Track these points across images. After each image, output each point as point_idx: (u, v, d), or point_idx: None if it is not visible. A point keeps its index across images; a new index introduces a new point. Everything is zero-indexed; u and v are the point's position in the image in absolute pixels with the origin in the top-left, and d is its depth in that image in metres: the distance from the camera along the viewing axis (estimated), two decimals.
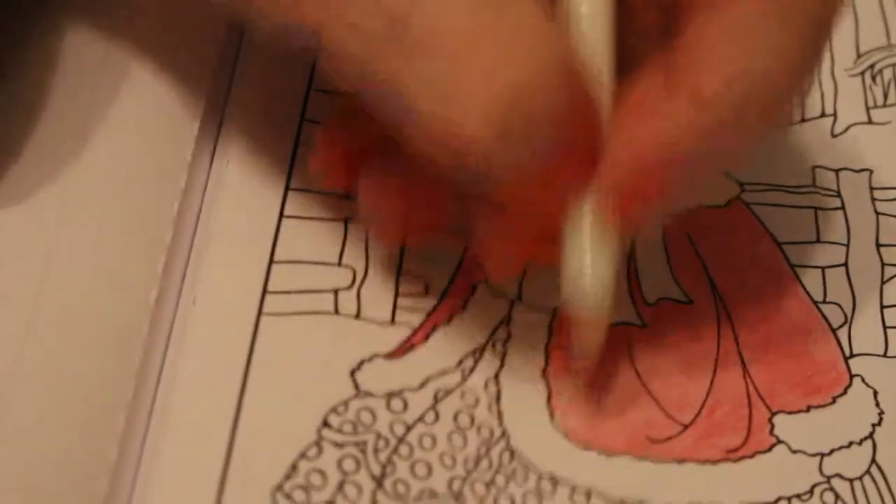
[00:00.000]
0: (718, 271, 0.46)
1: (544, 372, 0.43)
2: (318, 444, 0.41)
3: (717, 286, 0.45)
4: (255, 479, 0.40)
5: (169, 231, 0.44)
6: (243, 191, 0.46)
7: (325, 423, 0.41)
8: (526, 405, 0.43)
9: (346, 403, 0.42)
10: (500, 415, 0.42)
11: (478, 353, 0.43)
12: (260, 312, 0.43)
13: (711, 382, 0.43)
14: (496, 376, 0.43)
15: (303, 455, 0.40)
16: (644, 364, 0.44)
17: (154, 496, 0.39)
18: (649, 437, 0.42)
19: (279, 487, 0.40)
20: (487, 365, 0.43)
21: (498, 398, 0.43)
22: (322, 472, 0.40)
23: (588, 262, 0.38)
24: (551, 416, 0.42)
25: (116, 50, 0.48)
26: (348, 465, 0.41)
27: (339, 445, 0.41)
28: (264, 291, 0.43)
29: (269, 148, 0.47)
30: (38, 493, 0.39)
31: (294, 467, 0.40)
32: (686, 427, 0.42)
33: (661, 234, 0.46)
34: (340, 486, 0.40)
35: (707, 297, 0.45)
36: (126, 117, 0.46)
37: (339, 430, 0.41)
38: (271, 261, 0.44)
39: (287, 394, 0.41)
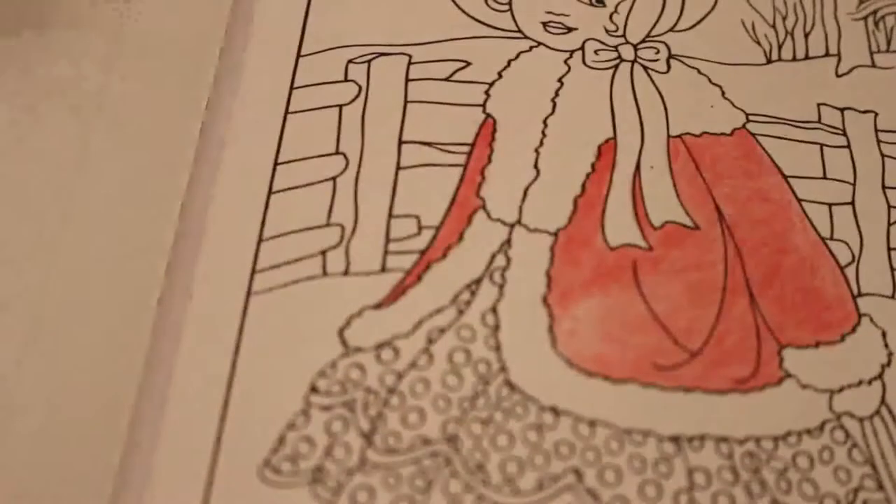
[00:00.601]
0: (725, 200, 0.44)
1: (546, 298, 0.41)
2: (305, 411, 0.38)
3: (724, 215, 0.43)
4: (243, 458, 0.38)
5: (170, 232, 0.43)
6: (234, 177, 0.44)
7: (313, 389, 0.39)
8: (526, 334, 0.40)
9: (333, 364, 0.39)
10: (498, 347, 0.40)
11: (475, 286, 0.41)
12: (249, 294, 0.41)
13: (719, 311, 0.41)
14: (494, 307, 0.41)
15: (290, 426, 0.38)
16: (650, 288, 0.41)
17: (149, 485, 0.37)
18: (656, 364, 0.40)
19: (267, 462, 0.38)
20: (485, 296, 0.41)
21: (496, 330, 0.40)
22: (309, 439, 0.38)
23: None
24: (553, 343, 0.40)
25: (116, 50, 0.47)
26: (336, 426, 0.38)
27: (326, 409, 0.38)
28: (253, 272, 0.41)
29: (260, 124, 0.45)
30: (43, 489, 0.38)
31: (282, 440, 0.38)
32: (694, 355, 0.40)
33: (666, 157, 0.44)
34: (328, 450, 0.38)
35: (714, 224, 0.43)
36: (126, 117, 0.45)
37: (327, 393, 0.39)
38: (260, 240, 0.42)
39: (274, 368, 0.39)
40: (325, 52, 0.47)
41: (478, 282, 0.41)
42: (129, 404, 0.39)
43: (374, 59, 0.46)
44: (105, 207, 0.43)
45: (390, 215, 0.43)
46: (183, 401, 0.39)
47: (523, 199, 0.43)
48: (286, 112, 0.45)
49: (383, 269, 0.41)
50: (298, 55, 0.47)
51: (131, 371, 0.39)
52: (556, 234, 0.42)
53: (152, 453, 0.38)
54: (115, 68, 0.47)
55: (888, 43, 0.49)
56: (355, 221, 0.42)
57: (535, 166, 0.44)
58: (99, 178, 0.44)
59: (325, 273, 0.41)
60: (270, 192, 0.43)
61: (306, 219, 0.43)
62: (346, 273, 0.41)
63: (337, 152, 0.44)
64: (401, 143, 0.44)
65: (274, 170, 0.44)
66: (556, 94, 0.46)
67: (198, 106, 0.46)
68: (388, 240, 0.42)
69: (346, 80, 0.46)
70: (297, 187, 0.43)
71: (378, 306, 0.41)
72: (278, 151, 0.44)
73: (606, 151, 0.44)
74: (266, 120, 0.45)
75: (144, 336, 0.40)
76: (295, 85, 0.46)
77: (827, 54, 0.49)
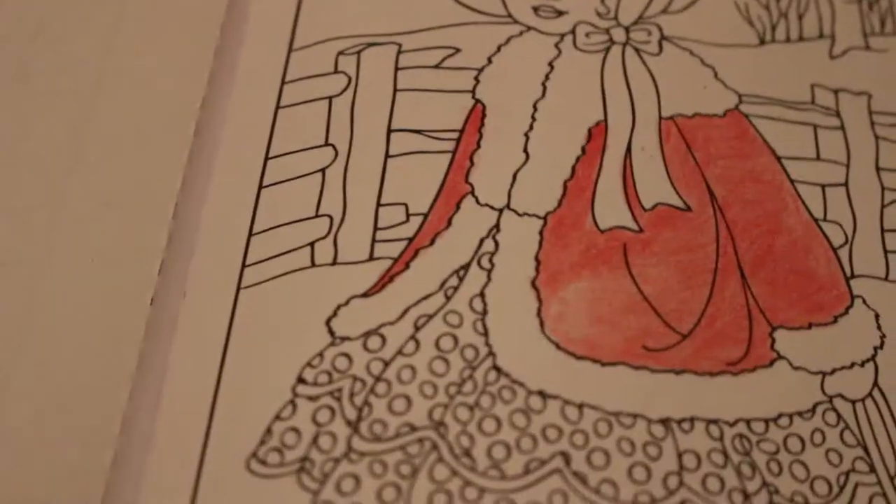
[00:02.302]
0: (717, 181, 0.43)
1: (534, 281, 0.41)
2: (292, 402, 0.38)
3: (716, 196, 0.43)
4: (231, 451, 0.38)
5: (164, 231, 0.43)
6: (227, 175, 0.44)
7: (300, 380, 0.39)
8: (514, 318, 0.40)
9: (321, 354, 0.39)
10: (486, 332, 0.40)
11: (462, 271, 0.41)
12: (239, 288, 0.41)
13: (711, 292, 0.41)
14: (482, 292, 0.40)
15: (277, 417, 0.38)
16: (640, 270, 0.41)
17: (141, 477, 0.38)
18: (646, 346, 0.39)
19: (254, 454, 0.37)
20: (473, 281, 0.41)
21: (484, 315, 0.40)
22: (296, 430, 0.38)
23: None
24: (541, 326, 0.40)
25: (113, 50, 0.47)
26: (322, 416, 0.38)
27: (313, 399, 0.38)
28: (243, 266, 0.41)
29: (253, 121, 0.45)
30: (37, 479, 0.39)
31: (269, 431, 0.38)
32: (685, 336, 0.40)
33: (657, 139, 0.44)
34: (314, 440, 0.38)
35: (705, 205, 0.43)
36: (121, 116, 0.45)
37: (314, 383, 0.39)
38: (250, 234, 0.42)
39: (263, 361, 0.39)
40: (315, 46, 0.46)
41: (466, 267, 0.41)
42: (123, 400, 0.39)
43: (363, 49, 0.46)
44: (100, 206, 0.43)
45: (378, 204, 0.42)
46: (175, 396, 0.39)
47: (512, 184, 0.43)
48: (277, 107, 0.45)
49: (371, 258, 0.41)
50: (290, 50, 0.46)
51: (125, 368, 0.39)
52: (545, 218, 0.42)
53: (145, 448, 0.38)
54: (110, 66, 0.47)
55: (882, 25, 0.49)
56: (344, 211, 0.42)
57: (525, 150, 0.43)
58: (94, 176, 0.44)
59: (313, 264, 0.41)
60: (261, 186, 0.43)
61: (296, 211, 0.42)
62: (334, 263, 0.41)
63: (326, 144, 0.44)
64: (390, 131, 0.44)
65: (265, 165, 0.43)
66: (547, 77, 0.45)
67: (192, 105, 0.45)
68: (376, 228, 0.42)
69: (336, 71, 0.46)
70: (286, 181, 0.43)
71: (365, 295, 0.40)
72: (269, 146, 0.44)
73: (597, 134, 0.44)
74: (258, 116, 0.45)
75: (138, 334, 0.40)
76: (286, 79, 0.46)
77: (821, 36, 0.48)
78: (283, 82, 0.46)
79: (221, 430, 0.38)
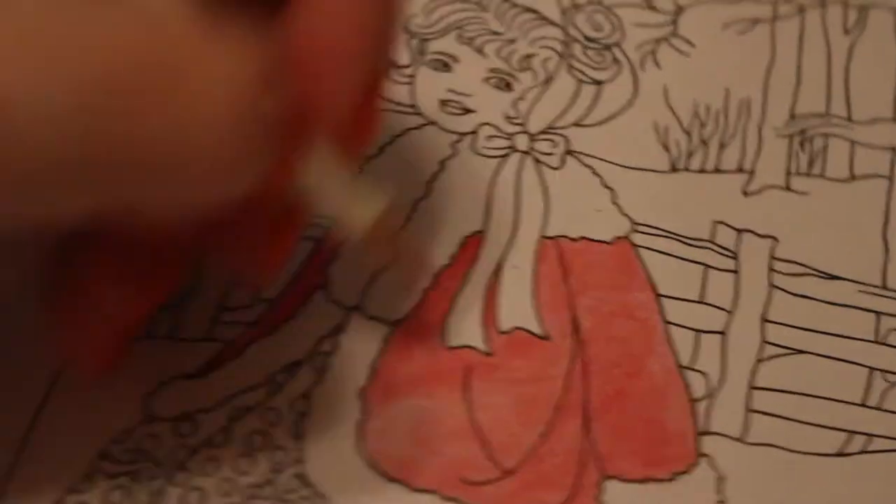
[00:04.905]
0: (586, 312, 0.41)
1: (364, 390, 0.39)
2: (90, 476, 0.37)
3: (581, 328, 0.41)
4: None
5: None
6: None
7: (105, 454, 0.37)
8: (333, 426, 0.38)
9: (130, 431, 0.38)
10: (300, 436, 0.38)
11: (294, 368, 0.39)
12: None
13: (547, 429, 0.39)
14: (307, 393, 0.39)
15: (72, 489, 0.37)
16: (477, 395, 0.39)
17: None
18: (463, 478, 0.38)
19: None
20: (302, 380, 0.39)
21: (303, 417, 0.38)
22: None
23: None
24: (359, 439, 0.38)
25: None
26: (115, 496, 0.37)
27: (111, 476, 0.37)
28: None
29: None
30: None
31: (59, 503, 0.36)
32: (507, 473, 0.38)
33: (532, 258, 0.42)
34: None
35: (566, 336, 0.41)
36: None
37: (118, 460, 0.37)
38: None
39: (73, 427, 0.38)
40: None
41: (299, 364, 0.39)
42: None
43: None
44: None
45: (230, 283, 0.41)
46: None
47: (370, 283, 0.41)
48: None
49: (209, 338, 0.40)
50: None
51: None
52: (394, 325, 0.40)
53: None
54: None
55: (809, 166, 0.46)
56: (199, 284, 0.41)
57: None
58: None
59: (148, 335, 0.40)
60: None
61: None
62: (170, 337, 0.40)
63: None
64: None
65: None
66: (434, 177, 0.44)
67: None
68: (221, 308, 0.40)
69: None
70: None
71: (190, 376, 0.39)
72: None
73: (471, 245, 0.42)
74: None
75: None
76: None
77: (740, 170, 0.46)
78: None
79: (19, 492, 0.37)
